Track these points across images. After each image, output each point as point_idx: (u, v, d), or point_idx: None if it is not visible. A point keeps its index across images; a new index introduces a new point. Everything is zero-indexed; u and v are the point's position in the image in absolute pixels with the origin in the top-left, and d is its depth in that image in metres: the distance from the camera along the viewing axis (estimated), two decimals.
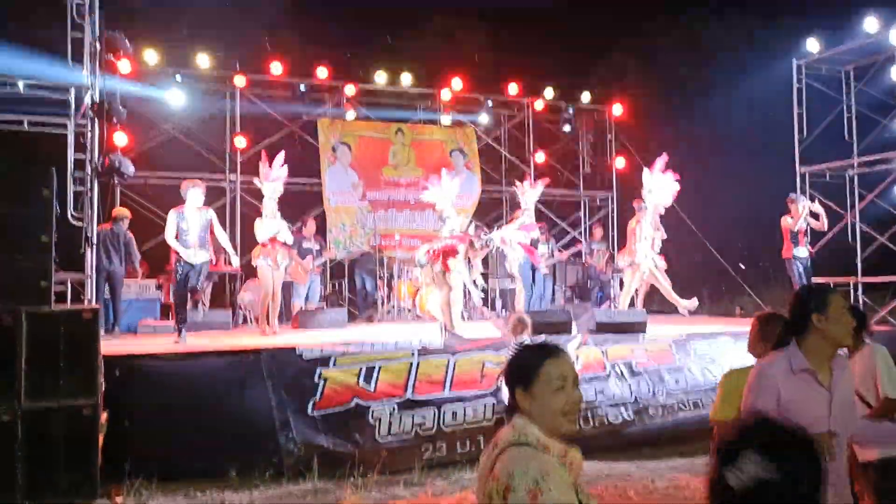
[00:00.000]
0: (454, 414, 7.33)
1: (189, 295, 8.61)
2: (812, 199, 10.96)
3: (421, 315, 12.13)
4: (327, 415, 6.99)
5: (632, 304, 10.54)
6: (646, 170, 10.45)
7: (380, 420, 7.08)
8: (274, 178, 9.49)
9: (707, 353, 8.78)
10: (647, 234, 10.26)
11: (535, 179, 14.99)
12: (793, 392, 2.92)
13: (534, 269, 11.08)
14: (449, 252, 8.94)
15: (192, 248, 8.12)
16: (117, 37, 7.03)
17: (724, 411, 3.81)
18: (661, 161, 10.30)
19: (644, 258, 10.17)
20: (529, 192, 10.76)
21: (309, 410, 6.93)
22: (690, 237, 13.77)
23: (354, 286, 13.34)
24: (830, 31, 12.02)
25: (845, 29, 11.79)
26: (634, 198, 10.99)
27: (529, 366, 2.11)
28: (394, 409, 7.17)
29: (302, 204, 13.42)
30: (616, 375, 8.26)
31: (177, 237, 8.35)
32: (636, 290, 10.76)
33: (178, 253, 8.43)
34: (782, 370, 2.97)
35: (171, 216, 8.38)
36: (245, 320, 11.53)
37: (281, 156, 9.68)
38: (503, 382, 2.31)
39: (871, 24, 11.24)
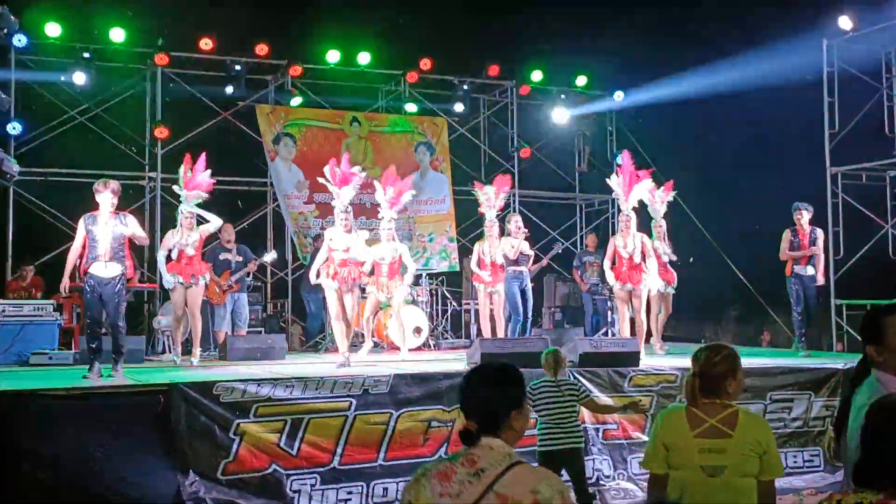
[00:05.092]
0: (385, 490, 7.46)
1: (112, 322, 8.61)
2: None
3: (379, 342, 12.31)
4: (239, 479, 7.10)
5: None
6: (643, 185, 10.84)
7: (298, 493, 7.21)
8: (195, 186, 9.71)
9: None
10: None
11: (519, 178, 15.35)
12: None
13: (523, 289, 11.31)
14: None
15: (101, 260, 8.22)
16: (2, 13, 7.16)
17: (652, 461, 3.65)
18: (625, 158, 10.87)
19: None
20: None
21: (219, 472, 7.04)
22: (708, 250, 14.04)
23: (301, 308, 13.50)
24: (867, 6, 12.25)
25: (884, 2, 12.03)
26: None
27: (522, 386, 2.79)
28: (315, 481, 7.31)
29: (235, 207, 13.60)
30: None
31: (85, 247, 8.45)
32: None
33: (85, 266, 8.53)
34: None
35: (80, 223, 8.47)
36: (164, 348, 11.65)
37: (203, 159, 9.89)
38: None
39: None
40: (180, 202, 9.83)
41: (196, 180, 9.78)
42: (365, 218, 13.50)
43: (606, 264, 10.78)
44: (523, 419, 2.73)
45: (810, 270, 10.64)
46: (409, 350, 11.30)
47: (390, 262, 10.53)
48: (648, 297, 10.79)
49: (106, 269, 8.26)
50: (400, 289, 10.63)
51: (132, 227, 8.46)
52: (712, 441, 3.47)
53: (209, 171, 9.90)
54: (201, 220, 9.96)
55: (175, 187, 10.04)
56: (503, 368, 2.80)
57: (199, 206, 9.89)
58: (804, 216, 10.72)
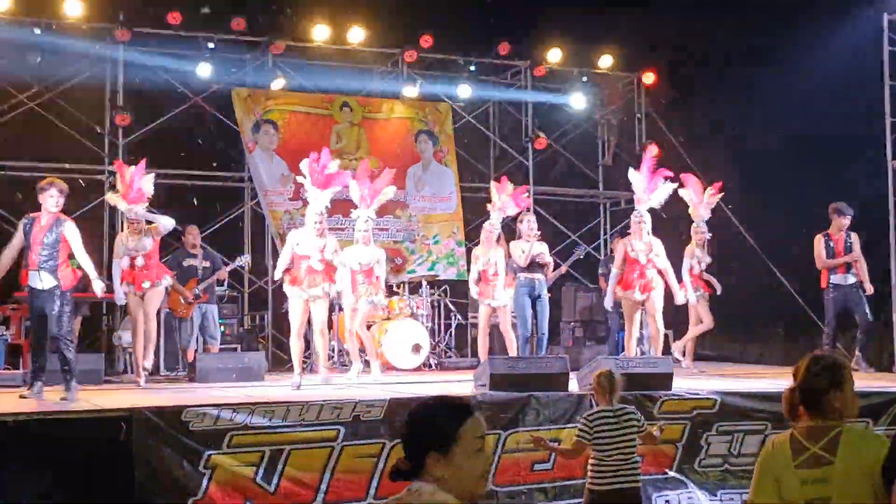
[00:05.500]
0: None
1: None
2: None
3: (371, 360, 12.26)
4: None
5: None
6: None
7: None
8: (136, 197, 9.72)
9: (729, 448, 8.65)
10: None
11: (534, 173, 15.32)
12: None
13: (535, 299, 11.24)
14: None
15: (33, 269, 8.24)
16: None
17: (758, 494, 3.69)
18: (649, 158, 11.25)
19: None
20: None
21: None
22: (752, 259, 13.96)
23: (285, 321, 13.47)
24: None
25: None
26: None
27: (447, 427, 2.63)
28: None
29: (208, 206, 13.58)
30: None
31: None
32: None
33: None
34: None
35: (20, 224, 8.56)
36: (126, 368, 11.65)
37: (143, 164, 9.96)
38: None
39: None
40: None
41: (137, 187, 9.77)
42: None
43: (614, 271, 10.78)
44: (449, 467, 2.60)
45: (851, 279, 10.72)
46: (409, 370, 11.29)
47: (368, 268, 10.48)
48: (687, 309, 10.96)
49: (41, 280, 8.30)
50: (377, 297, 10.66)
51: (70, 238, 8.43)
52: (814, 471, 3.47)
53: (152, 176, 9.92)
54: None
55: (110, 196, 10.10)
56: (429, 405, 2.76)
57: (147, 209, 9.92)
58: (847, 221, 10.76)
